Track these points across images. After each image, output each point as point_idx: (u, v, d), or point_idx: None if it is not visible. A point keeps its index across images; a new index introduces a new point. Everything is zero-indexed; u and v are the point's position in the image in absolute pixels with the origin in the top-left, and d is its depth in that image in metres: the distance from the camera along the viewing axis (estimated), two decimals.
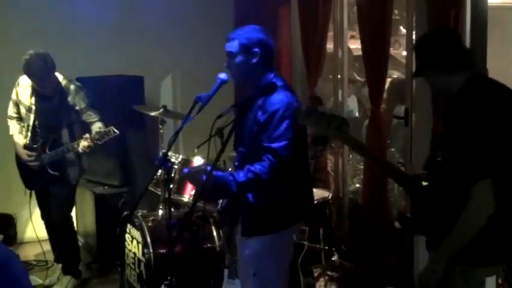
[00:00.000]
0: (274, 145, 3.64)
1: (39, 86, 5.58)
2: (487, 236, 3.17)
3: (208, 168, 3.64)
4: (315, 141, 3.91)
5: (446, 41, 3.50)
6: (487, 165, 3.12)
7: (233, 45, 3.82)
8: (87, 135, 5.49)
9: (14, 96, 5.84)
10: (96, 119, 5.75)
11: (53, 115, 5.73)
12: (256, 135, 3.74)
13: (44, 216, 6.12)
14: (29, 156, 5.74)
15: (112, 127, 5.49)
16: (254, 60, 3.81)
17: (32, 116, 5.75)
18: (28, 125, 5.78)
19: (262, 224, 3.86)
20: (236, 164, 4.02)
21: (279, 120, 3.65)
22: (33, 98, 5.73)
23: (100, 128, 5.60)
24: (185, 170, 4.07)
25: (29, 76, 5.50)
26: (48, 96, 5.68)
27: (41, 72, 5.44)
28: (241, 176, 3.65)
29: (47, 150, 5.68)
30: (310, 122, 3.29)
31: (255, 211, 3.86)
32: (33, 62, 5.38)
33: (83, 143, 5.46)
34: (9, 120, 5.93)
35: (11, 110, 5.91)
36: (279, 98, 3.71)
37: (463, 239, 3.16)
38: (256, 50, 3.79)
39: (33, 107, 5.73)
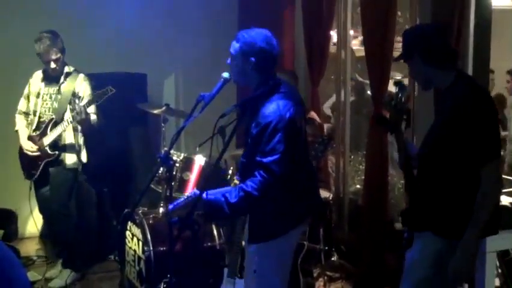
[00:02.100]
0: (266, 160, 3.60)
1: (45, 57, 5.66)
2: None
3: (198, 193, 3.63)
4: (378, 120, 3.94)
5: (443, 36, 3.67)
6: (493, 148, 3.38)
7: (234, 48, 3.80)
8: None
9: (26, 90, 5.95)
10: (94, 110, 5.73)
11: (57, 98, 5.78)
12: (251, 148, 3.74)
13: (42, 208, 6.13)
14: (32, 147, 5.77)
15: (109, 86, 5.45)
16: (249, 67, 3.77)
17: (39, 101, 5.84)
18: (35, 111, 5.85)
19: (266, 232, 3.86)
20: (239, 173, 4.03)
21: (270, 134, 3.61)
22: (42, 83, 5.86)
23: (96, 93, 5.56)
24: (170, 207, 4.01)
25: (38, 44, 5.61)
26: (55, 79, 5.79)
27: (44, 44, 5.57)
28: (233, 196, 3.62)
29: (48, 132, 5.71)
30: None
31: (258, 217, 3.86)
32: (44, 34, 5.60)
33: (78, 109, 5.47)
34: (17, 115, 5.97)
35: (21, 105, 5.98)
36: (271, 110, 3.65)
37: (486, 217, 3.33)
38: (252, 59, 3.74)
39: (42, 91, 5.84)
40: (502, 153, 4.21)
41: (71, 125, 5.65)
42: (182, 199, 3.94)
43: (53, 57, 5.64)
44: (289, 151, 3.63)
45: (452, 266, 3.40)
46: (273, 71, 3.86)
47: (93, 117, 5.68)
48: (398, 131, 3.68)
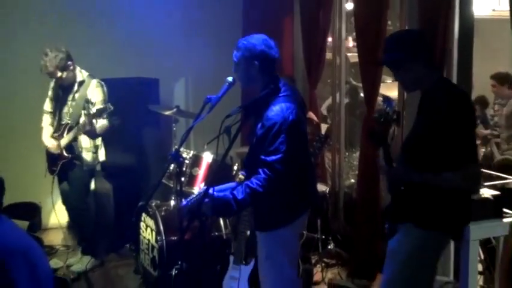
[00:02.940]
0: (269, 159, 3.64)
1: (49, 75, 5.62)
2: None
3: (209, 190, 3.65)
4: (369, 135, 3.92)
5: (426, 40, 3.62)
6: (470, 153, 3.38)
7: (237, 56, 3.83)
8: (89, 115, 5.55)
9: (49, 92, 5.94)
10: (100, 118, 5.64)
11: (72, 104, 5.75)
12: (255, 147, 3.77)
13: (64, 202, 6.14)
14: (53, 144, 5.79)
15: (108, 104, 5.48)
16: (254, 71, 3.80)
17: (58, 106, 5.84)
18: (55, 114, 5.87)
19: (272, 221, 3.89)
20: (244, 171, 4.06)
21: (274, 135, 3.65)
22: (58, 90, 5.83)
23: (96, 109, 5.53)
24: (184, 203, 4.02)
25: (41, 62, 5.54)
26: (68, 87, 5.74)
27: (50, 62, 5.49)
28: (240, 193, 3.65)
29: (64, 135, 5.72)
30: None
31: (264, 210, 3.88)
32: (46, 55, 5.49)
33: (83, 119, 5.53)
34: (44, 114, 5.97)
35: (46, 105, 5.97)
36: (276, 112, 3.68)
37: (431, 182, 3.34)
38: (255, 62, 3.78)
39: (59, 97, 5.83)
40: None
41: (81, 132, 5.65)
42: (194, 196, 3.93)
43: (51, 73, 5.57)
44: (290, 151, 3.65)
45: (388, 174, 3.53)
46: (275, 72, 3.88)
47: (103, 122, 5.61)
48: (385, 144, 3.63)
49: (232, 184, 3.91)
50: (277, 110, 3.67)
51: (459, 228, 3.63)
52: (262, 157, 3.65)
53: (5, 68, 6.62)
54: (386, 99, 3.75)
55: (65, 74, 5.60)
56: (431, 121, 3.36)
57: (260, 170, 3.64)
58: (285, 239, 3.93)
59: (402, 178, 3.47)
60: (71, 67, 5.64)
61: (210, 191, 3.66)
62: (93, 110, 5.56)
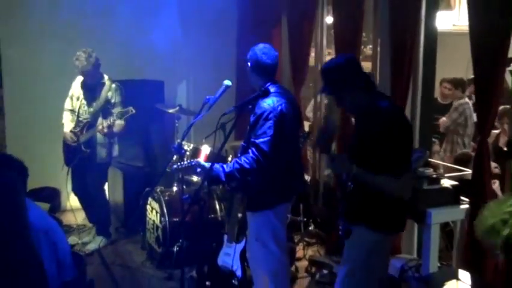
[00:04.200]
0: (257, 140, 3.68)
1: (84, 75, 5.64)
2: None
3: (206, 163, 3.76)
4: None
5: (356, 66, 3.43)
6: (405, 165, 3.27)
7: (247, 58, 3.96)
8: (108, 118, 5.59)
9: (70, 92, 5.90)
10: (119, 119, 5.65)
11: (93, 103, 5.73)
12: (248, 133, 3.80)
13: (75, 188, 6.09)
14: (71, 138, 5.77)
15: (130, 107, 5.51)
16: (252, 73, 3.94)
17: (78, 103, 5.80)
18: (75, 111, 5.82)
19: (260, 203, 3.91)
20: (239, 155, 4.00)
21: (263, 121, 3.70)
22: (82, 90, 5.80)
23: (118, 111, 5.58)
24: (173, 168, 4.16)
25: (76, 67, 5.55)
26: (93, 87, 5.72)
27: (82, 64, 5.49)
28: (228, 167, 3.71)
29: (84, 132, 5.72)
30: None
31: (253, 192, 3.90)
32: (80, 53, 5.49)
33: (104, 124, 5.56)
34: (64, 111, 5.93)
35: (67, 104, 5.93)
36: (267, 103, 3.75)
37: (366, 180, 3.23)
38: (252, 65, 3.91)
39: (81, 96, 5.79)
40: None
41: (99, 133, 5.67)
42: (186, 162, 3.95)
43: (88, 71, 5.57)
44: (277, 136, 3.69)
45: (332, 164, 3.45)
46: (270, 76, 3.94)
47: (120, 123, 5.61)
48: (328, 152, 3.51)
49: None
50: (268, 102, 3.75)
51: (402, 228, 3.53)
52: (252, 139, 3.71)
53: (27, 68, 6.55)
54: (327, 118, 3.71)
55: (95, 72, 5.61)
56: (371, 136, 3.24)
57: (249, 150, 3.70)
58: (271, 223, 3.94)
59: (345, 166, 3.30)
60: (100, 67, 5.65)
61: (204, 163, 3.77)
62: (116, 112, 5.59)
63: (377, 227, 3.33)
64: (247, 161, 3.67)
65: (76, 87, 5.84)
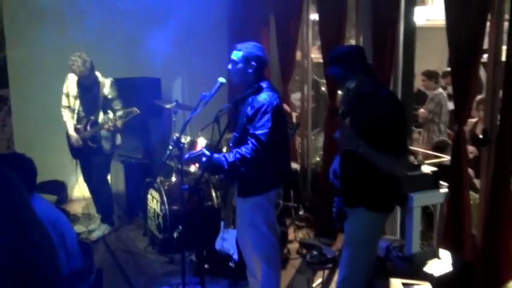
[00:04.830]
0: (257, 132, 3.67)
1: (80, 78, 5.59)
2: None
3: (209, 152, 3.71)
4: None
5: (362, 53, 3.46)
6: (402, 147, 3.32)
7: (237, 55, 3.82)
8: (113, 116, 5.59)
9: (64, 90, 5.82)
10: (120, 106, 5.70)
11: (91, 101, 5.71)
12: (245, 125, 3.75)
13: (86, 180, 6.10)
14: (77, 141, 5.75)
15: (135, 108, 5.51)
16: (250, 70, 3.81)
17: (77, 103, 5.74)
18: (74, 110, 5.76)
19: (252, 188, 3.89)
20: (231, 145, 4.01)
21: (261, 114, 3.68)
22: (78, 89, 5.73)
23: (123, 111, 5.59)
24: (185, 157, 4.02)
25: (72, 71, 5.53)
26: (88, 87, 5.68)
27: (79, 70, 5.45)
28: (231, 157, 3.68)
29: (88, 128, 5.69)
30: None
31: (247, 179, 3.86)
32: (75, 57, 5.43)
33: (110, 123, 5.55)
34: (62, 109, 5.86)
35: (63, 101, 5.85)
36: (263, 97, 3.72)
37: (371, 157, 3.20)
38: (253, 63, 3.80)
39: (78, 96, 5.73)
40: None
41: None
42: (195, 152, 3.89)
43: (83, 74, 5.51)
44: (274, 128, 3.69)
45: (342, 139, 3.38)
46: (264, 73, 3.90)
47: (120, 121, 5.62)
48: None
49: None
50: (264, 96, 3.72)
51: (393, 207, 3.55)
52: (251, 131, 3.69)
53: (31, 68, 6.50)
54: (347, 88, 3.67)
55: (90, 74, 5.56)
56: (371, 117, 3.26)
57: (249, 141, 3.68)
58: (263, 207, 3.93)
59: (355, 142, 3.27)
60: (94, 68, 5.61)
61: (207, 153, 3.72)
62: (117, 107, 5.64)
63: (375, 207, 3.35)
64: (248, 151, 3.66)
65: (72, 86, 5.74)
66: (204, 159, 3.73)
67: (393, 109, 3.29)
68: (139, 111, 5.48)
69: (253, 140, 3.67)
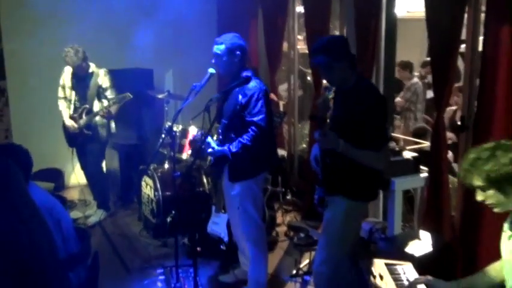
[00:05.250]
0: (256, 118, 3.70)
1: (74, 69, 5.54)
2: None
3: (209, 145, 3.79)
4: (311, 117, 3.77)
5: (348, 45, 3.37)
6: (383, 139, 3.29)
7: (220, 48, 3.78)
8: (107, 103, 5.55)
9: (61, 81, 5.75)
10: (114, 95, 5.62)
11: (86, 91, 5.64)
12: (239, 112, 3.75)
13: (82, 167, 6.04)
14: (73, 126, 5.66)
15: (127, 93, 5.46)
16: (236, 60, 3.81)
17: (73, 93, 5.68)
18: (70, 100, 5.70)
19: (242, 173, 3.90)
20: (220, 131, 4.00)
21: (256, 101, 3.71)
22: (73, 80, 5.67)
23: (116, 96, 5.55)
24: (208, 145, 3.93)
25: (66, 63, 5.48)
26: (83, 77, 5.62)
27: (72, 60, 5.40)
28: (234, 147, 3.72)
29: (83, 116, 5.62)
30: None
31: (237, 164, 3.86)
32: (69, 49, 5.38)
33: (104, 109, 5.52)
34: (58, 100, 5.78)
35: (59, 93, 5.78)
36: (253, 85, 3.74)
37: (351, 155, 3.16)
38: (238, 53, 3.79)
39: (73, 86, 5.67)
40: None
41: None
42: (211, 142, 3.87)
43: (76, 64, 5.45)
44: (268, 113, 3.74)
45: (323, 138, 3.27)
46: (247, 62, 3.89)
47: (115, 107, 5.57)
48: (325, 122, 3.42)
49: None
50: (253, 84, 3.74)
51: (375, 197, 3.49)
52: (249, 118, 3.71)
53: (27, 60, 6.39)
54: (326, 88, 3.63)
55: (84, 64, 5.51)
56: (355, 110, 3.19)
57: (249, 129, 3.70)
58: (253, 191, 3.94)
59: (334, 142, 3.19)
60: (87, 59, 5.55)
61: (213, 144, 3.79)
62: (112, 95, 5.56)
63: (354, 196, 3.32)
64: (248, 138, 3.69)
65: (67, 78, 5.69)
66: (209, 150, 3.77)
67: (375, 102, 3.22)
68: (131, 96, 5.42)
69: (253, 127, 3.70)
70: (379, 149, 3.18)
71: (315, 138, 3.35)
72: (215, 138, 4.17)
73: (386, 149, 3.36)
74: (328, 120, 3.42)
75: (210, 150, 3.81)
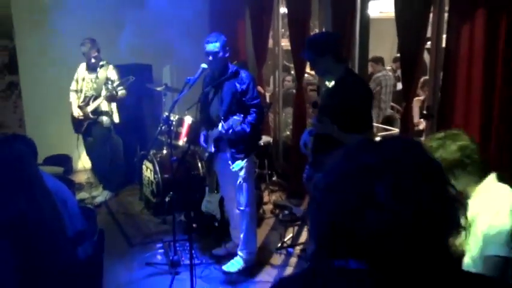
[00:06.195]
0: (255, 102, 3.86)
1: (88, 60, 5.58)
2: None
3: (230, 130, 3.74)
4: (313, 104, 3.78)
5: (334, 40, 3.42)
6: (369, 123, 3.33)
7: (216, 46, 3.79)
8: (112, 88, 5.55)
9: (75, 75, 5.77)
10: (122, 87, 5.59)
11: (96, 81, 5.62)
12: (240, 98, 3.82)
13: (88, 153, 6.02)
14: (79, 114, 5.65)
15: (131, 76, 5.52)
16: (227, 55, 3.85)
17: (84, 84, 5.67)
18: (81, 90, 5.69)
19: (243, 153, 3.96)
20: (222, 117, 3.88)
21: (252, 87, 3.84)
22: (86, 71, 5.69)
23: (120, 80, 5.56)
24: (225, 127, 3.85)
25: (82, 53, 5.54)
26: (94, 68, 5.63)
27: (88, 49, 5.51)
28: (246, 128, 3.82)
29: (90, 103, 5.60)
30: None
31: (240, 145, 3.92)
32: (86, 40, 5.52)
33: (109, 90, 5.51)
34: (70, 92, 5.78)
35: (72, 86, 5.78)
36: (246, 75, 3.87)
37: (342, 138, 3.17)
38: (227, 48, 3.84)
39: (85, 76, 5.68)
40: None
41: (105, 100, 5.56)
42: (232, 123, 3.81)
43: (92, 55, 5.51)
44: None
45: (318, 124, 3.38)
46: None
47: (123, 91, 5.58)
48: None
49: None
50: (246, 74, 3.87)
51: None
52: (250, 102, 3.84)
53: (38, 55, 6.27)
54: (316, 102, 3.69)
55: (98, 56, 5.57)
56: (347, 99, 3.25)
57: (251, 111, 3.83)
58: (251, 167, 4.07)
59: (328, 128, 3.28)
60: (100, 51, 5.62)
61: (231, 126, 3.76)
62: (118, 79, 5.57)
63: None
64: (254, 119, 3.83)
65: (81, 71, 5.72)
66: (230, 131, 3.74)
67: (365, 92, 3.32)
68: (134, 78, 5.48)
69: (255, 109, 3.84)
70: (365, 131, 3.23)
71: (312, 123, 3.43)
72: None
73: (371, 132, 3.39)
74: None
75: (238, 128, 3.77)
